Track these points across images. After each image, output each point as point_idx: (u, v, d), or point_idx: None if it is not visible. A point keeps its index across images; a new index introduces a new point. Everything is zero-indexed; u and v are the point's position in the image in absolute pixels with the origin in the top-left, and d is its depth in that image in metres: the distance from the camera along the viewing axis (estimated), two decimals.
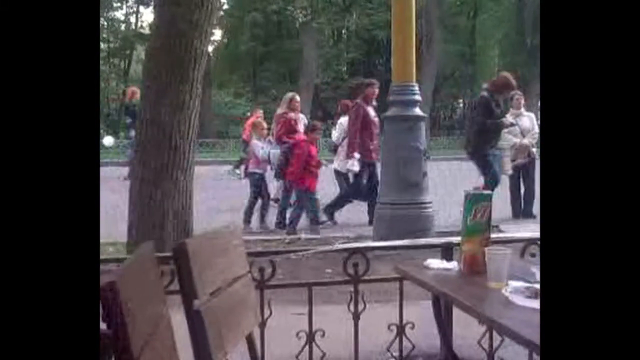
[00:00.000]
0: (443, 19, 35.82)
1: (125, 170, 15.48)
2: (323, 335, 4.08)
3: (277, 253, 4.34)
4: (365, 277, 4.10)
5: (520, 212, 11.08)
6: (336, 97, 33.55)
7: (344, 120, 13.90)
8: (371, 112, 10.69)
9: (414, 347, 4.22)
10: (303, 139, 10.54)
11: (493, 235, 3.24)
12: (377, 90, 11.09)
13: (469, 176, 11.03)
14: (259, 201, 10.85)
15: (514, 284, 2.66)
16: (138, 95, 19.84)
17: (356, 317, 4.11)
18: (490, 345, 4.19)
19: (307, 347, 4.07)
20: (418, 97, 8.89)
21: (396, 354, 4.25)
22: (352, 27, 39.30)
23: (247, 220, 10.63)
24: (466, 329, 3.65)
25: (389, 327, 4.20)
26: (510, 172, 11.18)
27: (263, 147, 10.97)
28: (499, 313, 2.49)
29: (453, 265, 3.15)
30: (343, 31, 40.75)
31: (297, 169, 9.98)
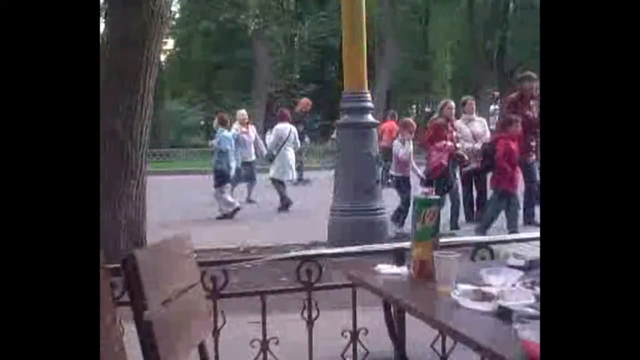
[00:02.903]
0: (395, 25, 36.02)
1: None
2: (277, 343, 4.09)
3: (229, 262, 4.33)
4: (318, 284, 4.12)
5: (474, 216, 11.16)
6: (290, 105, 33.57)
7: (280, 127, 14.01)
8: None
9: (367, 352, 4.24)
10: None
11: (444, 240, 3.27)
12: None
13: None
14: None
15: (463, 287, 2.68)
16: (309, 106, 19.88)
17: (310, 324, 4.12)
18: (443, 348, 4.23)
19: (261, 355, 4.07)
20: (370, 104, 8.96)
21: None
22: (305, 35, 39.33)
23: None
24: (419, 333, 3.67)
25: (342, 334, 4.22)
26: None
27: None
28: (447, 316, 2.52)
29: (403, 270, 3.18)
30: (295, 39, 40.74)
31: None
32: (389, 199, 9.26)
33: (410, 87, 37.44)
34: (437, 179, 10.28)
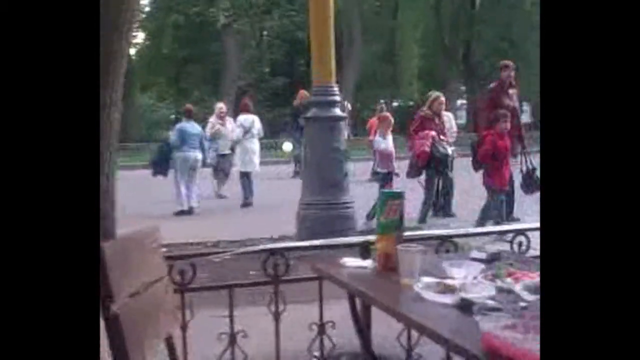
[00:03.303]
0: (363, 19, 36.04)
1: None
2: (245, 336, 4.11)
3: (197, 256, 4.34)
4: (285, 278, 4.14)
5: (439, 210, 11.22)
6: (260, 99, 33.49)
7: (242, 118, 13.94)
8: None
9: (334, 345, 4.27)
10: None
11: (410, 233, 3.31)
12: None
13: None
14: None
15: (426, 279, 2.72)
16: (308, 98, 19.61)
17: (277, 317, 4.14)
18: (409, 341, 4.27)
19: (229, 348, 4.09)
20: (338, 98, 8.97)
21: (318, 353, 4.30)
22: (274, 29, 39.22)
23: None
24: (386, 326, 3.71)
25: (310, 327, 4.25)
26: None
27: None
28: (410, 309, 2.56)
29: (368, 263, 3.21)
30: (265, 32, 40.64)
31: None
32: (357, 193, 9.27)
33: (378, 81, 37.45)
34: (426, 166, 10.34)
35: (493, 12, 36.31)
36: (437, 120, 11.00)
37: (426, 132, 10.62)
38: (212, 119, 15.02)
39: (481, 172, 9.71)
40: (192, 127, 13.37)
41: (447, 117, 12.00)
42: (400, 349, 4.32)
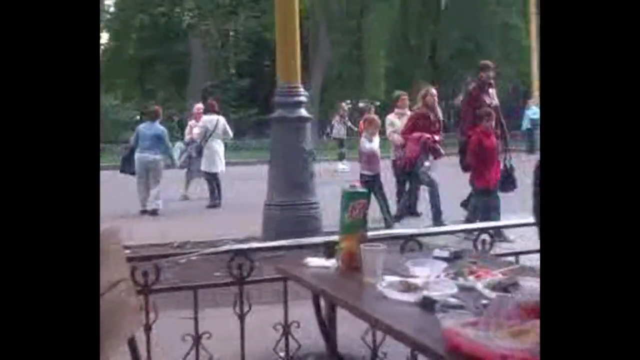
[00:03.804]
0: (330, 20, 36.07)
1: None
2: (209, 337, 4.09)
3: (162, 257, 4.32)
4: (250, 279, 4.13)
5: (407, 210, 11.24)
6: (226, 100, 33.36)
7: (207, 118, 13.87)
8: None
9: (300, 346, 4.27)
10: None
11: (374, 233, 3.31)
12: None
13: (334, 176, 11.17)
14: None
15: (389, 278, 2.73)
16: None
17: (241, 318, 4.13)
18: (374, 340, 4.28)
19: (193, 349, 4.07)
20: (303, 99, 8.98)
21: (283, 354, 4.29)
22: (240, 29, 39.11)
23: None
24: (351, 325, 3.72)
25: (274, 327, 4.25)
26: None
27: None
28: (373, 308, 2.56)
29: (332, 262, 3.21)
30: (231, 33, 40.50)
31: None
32: (321, 193, 9.25)
33: (344, 82, 37.52)
34: (410, 171, 10.40)
35: (458, 13, 36.46)
36: (432, 117, 10.76)
37: (419, 134, 10.48)
38: (191, 122, 15.06)
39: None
40: (149, 128, 13.18)
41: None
42: (366, 348, 4.32)
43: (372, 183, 10.34)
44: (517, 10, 35.11)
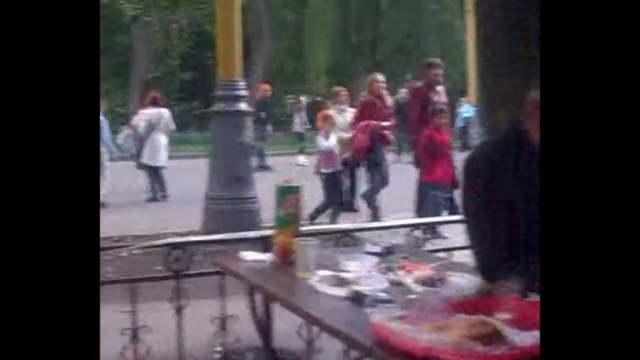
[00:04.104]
0: (272, 13, 35.97)
1: None
2: (148, 331, 4.08)
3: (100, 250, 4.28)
4: (188, 272, 4.13)
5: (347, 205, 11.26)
6: (169, 92, 33.06)
7: (150, 111, 13.70)
8: None
9: (237, 340, 4.28)
10: None
11: (310, 227, 3.34)
12: None
13: (294, 170, 11.13)
14: None
15: (321, 273, 2.77)
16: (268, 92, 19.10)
17: (179, 312, 4.13)
18: (309, 334, 4.30)
19: (131, 343, 4.06)
20: (244, 92, 8.97)
21: (220, 348, 4.31)
22: (184, 21, 38.74)
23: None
24: (287, 319, 3.75)
25: (212, 321, 4.25)
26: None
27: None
28: (305, 302, 2.60)
29: (267, 256, 3.24)
30: (174, 25, 40.11)
31: None
32: (261, 187, 9.23)
33: (287, 77, 37.47)
34: (364, 156, 10.25)
35: (398, 10, 36.63)
36: (379, 104, 10.56)
37: (365, 122, 10.32)
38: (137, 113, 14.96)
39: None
40: None
41: (353, 112, 11.85)
42: (302, 342, 4.35)
43: (331, 181, 10.37)
44: (457, 9, 35.44)
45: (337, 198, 10.40)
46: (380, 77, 10.98)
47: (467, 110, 25.90)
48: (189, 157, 21.63)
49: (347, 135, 10.88)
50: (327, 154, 10.43)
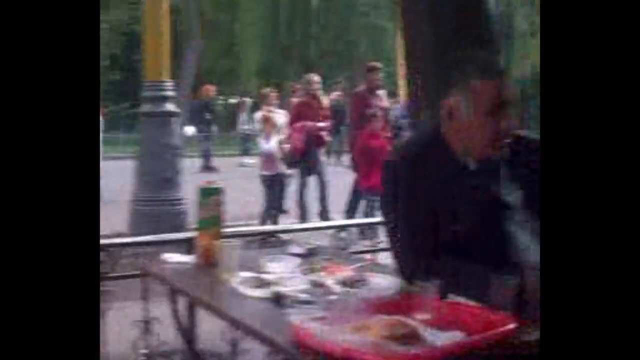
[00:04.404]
0: (202, 14, 35.68)
1: None
2: None
3: None
4: (110, 274, 4.08)
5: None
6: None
7: None
8: None
9: (160, 343, 4.24)
10: None
11: (235, 229, 3.33)
12: None
13: (239, 171, 11.02)
14: None
15: (243, 274, 2.76)
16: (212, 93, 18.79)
17: (101, 314, 4.07)
18: (233, 336, 4.29)
19: None
20: (171, 93, 8.91)
21: (145, 350, 4.26)
22: (113, 21, 38.26)
23: None
24: (214, 321, 3.73)
25: (136, 324, 4.21)
26: None
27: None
28: (226, 303, 2.59)
29: (190, 258, 3.22)
30: (104, 26, 39.60)
31: None
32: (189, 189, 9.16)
33: (217, 77, 37.26)
34: (300, 160, 10.13)
35: (329, 13, 36.78)
36: (315, 105, 10.51)
37: (301, 123, 10.27)
38: None
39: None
40: None
41: (281, 114, 11.81)
42: (227, 344, 4.33)
43: (273, 183, 10.28)
44: (387, 12, 35.72)
45: (277, 201, 10.35)
46: (316, 78, 10.95)
47: (398, 113, 26.11)
48: (118, 158, 21.36)
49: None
50: (268, 157, 10.36)
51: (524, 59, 43.38)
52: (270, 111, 11.63)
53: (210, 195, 3.09)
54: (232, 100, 31.44)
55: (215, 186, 3.16)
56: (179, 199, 8.68)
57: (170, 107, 8.80)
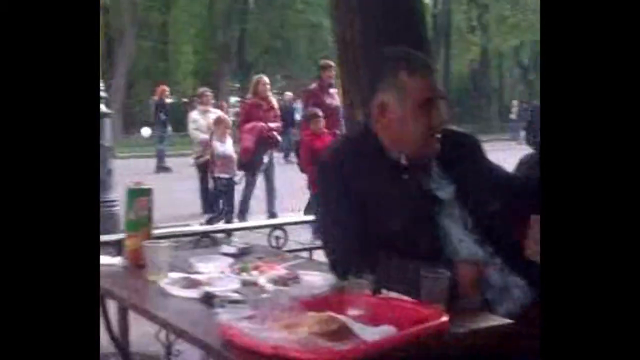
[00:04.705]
0: (135, 13, 35.33)
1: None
2: None
3: None
4: None
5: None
6: None
7: None
8: None
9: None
10: None
11: (166, 230, 3.28)
12: None
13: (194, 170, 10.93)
14: None
15: (173, 275, 2.73)
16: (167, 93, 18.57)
17: None
18: (167, 337, 4.24)
19: None
20: (103, 94, 8.80)
21: None
22: None
23: None
24: (147, 323, 3.68)
25: None
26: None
27: None
28: (154, 304, 2.55)
29: (118, 260, 3.17)
30: None
31: None
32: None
33: (151, 78, 36.98)
34: (248, 162, 10.07)
35: (266, 11, 36.78)
36: (265, 106, 10.48)
37: (252, 124, 10.23)
38: None
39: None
40: None
41: (216, 114, 11.72)
42: (160, 346, 4.28)
43: (229, 186, 10.21)
44: (323, 10, 35.87)
45: (231, 205, 10.27)
46: (265, 78, 10.92)
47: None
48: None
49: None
50: (223, 160, 10.24)
51: (463, 55, 44.06)
52: (206, 111, 11.56)
53: (138, 196, 3.04)
54: (185, 100, 31.27)
55: (144, 187, 3.10)
56: (111, 201, 8.55)
57: (102, 108, 8.66)
